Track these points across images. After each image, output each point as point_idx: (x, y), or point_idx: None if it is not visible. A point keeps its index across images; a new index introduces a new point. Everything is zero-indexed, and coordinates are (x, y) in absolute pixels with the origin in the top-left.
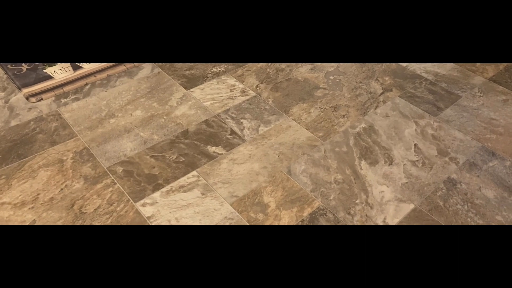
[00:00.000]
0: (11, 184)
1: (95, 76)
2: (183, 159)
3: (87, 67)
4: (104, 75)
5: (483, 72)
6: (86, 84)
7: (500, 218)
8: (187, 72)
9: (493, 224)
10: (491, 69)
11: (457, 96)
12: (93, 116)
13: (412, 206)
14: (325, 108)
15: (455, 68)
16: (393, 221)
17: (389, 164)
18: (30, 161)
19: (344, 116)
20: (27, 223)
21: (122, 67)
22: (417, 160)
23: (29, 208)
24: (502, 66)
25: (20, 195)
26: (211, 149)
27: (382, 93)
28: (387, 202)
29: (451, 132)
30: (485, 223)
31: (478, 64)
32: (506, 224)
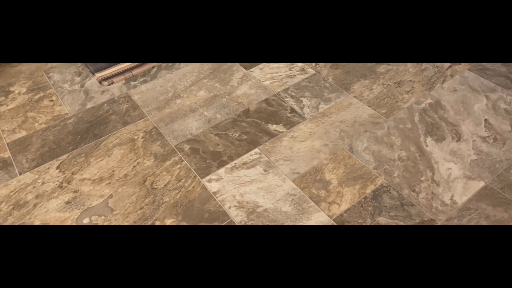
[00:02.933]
0: (90, 162)
1: None
2: (245, 137)
3: None
4: None
5: None
6: (153, 67)
7: None
8: None
9: None
10: None
11: None
12: (160, 97)
13: (482, 183)
14: (388, 84)
15: None
16: (461, 199)
17: (457, 141)
18: (105, 140)
19: (408, 92)
20: (105, 197)
21: None
22: (488, 136)
23: (106, 184)
24: None
25: (98, 172)
26: (272, 127)
27: (449, 67)
28: (454, 179)
29: None
30: None
31: None
32: None
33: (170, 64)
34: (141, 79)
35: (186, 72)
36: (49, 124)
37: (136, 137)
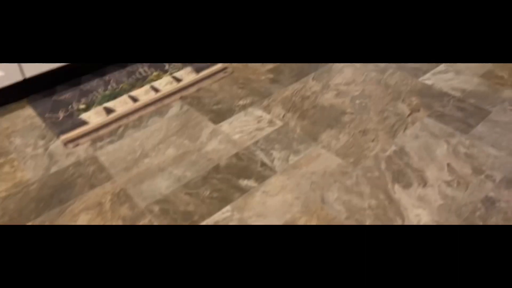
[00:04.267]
0: None
1: (128, 118)
2: (217, 194)
3: (119, 110)
4: (136, 116)
5: None
6: (119, 127)
7: None
8: (214, 107)
9: None
10: None
11: (487, 111)
12: (128, 157)
13: None
14: (353, 133)
15: (482, 83)
16: None
17: (423, 186)
18: (70, 206)
19: (373, 140)
20: None
21: (152, 107)
22: (452, 180)
23: None
24: None
25: None
26: (243, 182)
27: (410, 114)
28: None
29: (484, 148)
30: None
31: (506, 77)
32: None
33: (137, 122)
34: (108, 139)
35: (154, 130)
36: (9, 192)
37: (103, 200)
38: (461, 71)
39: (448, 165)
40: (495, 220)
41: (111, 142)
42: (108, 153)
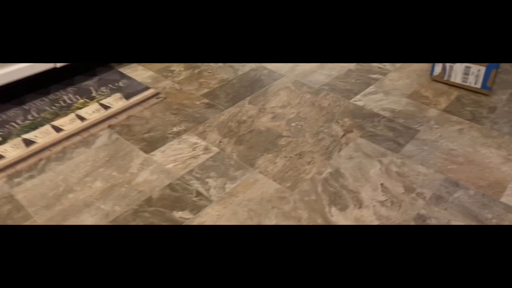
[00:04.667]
0: None
1: (50, 150)
2: None
3: (41, 141)
4: (59, 147)
5: (436, 104)
6: (40, 160)
7: None
8: (146, 135)
9: None
10: (443, 100)
11: (415, 130)
12: (49, 193)
13: None
14: (290, 157)
15: (410, 102)
16: None
17: (359, 208)
18: None
19: (309, 162)
20: None
21: (78, 137)
22: (386, 200)
23: None
24: (453, 96)
25: None
26: (177, 214)
27: (343, 135)
28: None
29: (414, 167)
30: None
31: (431, 97)
32: None
33: (61, 154)
34: (26, 175)
35: (80, 162)
36: None
37: None
38: (389, 92)
39: (382, 185)
40: None
41: (31, 177)
42: (27, 189)
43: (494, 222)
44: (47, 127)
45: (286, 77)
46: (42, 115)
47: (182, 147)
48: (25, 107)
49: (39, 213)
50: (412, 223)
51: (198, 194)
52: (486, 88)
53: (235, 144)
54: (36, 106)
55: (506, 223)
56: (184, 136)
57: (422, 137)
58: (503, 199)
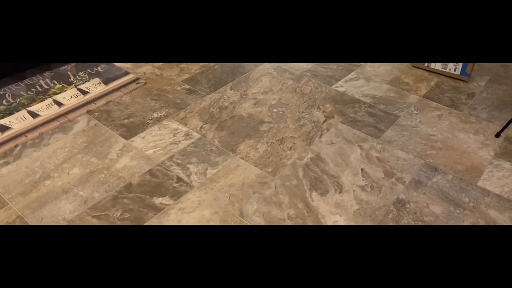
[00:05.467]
0: None
1: (26, 136)
2: (128, 215)
3: (16, 127)
4: (36, 133)
5: (417, 90)
6: (16, 146)
7: None
8: (125, 121)
9: None
10: (423, 86)
11: (395, 116)
12: (25, 180)
13: None
14: (271, 142)
15: (390, 89)
16: None
17: (340, 192)
18: None
19: (291, 148)
20: None
21: (55, 123)
22: (366, 185)
23: None
24: (433, 82)
25: None
26: (158, 200)
27: (325, 121)
28: None
29: (394, 152)
30: None
31: (411, 83)
32: None
33: (37, 140)
34: (2, 161)
35: (57, 148)
36: None
37: None
38: (370, 78)
39: (362, 170)
40: (406, 221)
41: (6, 163)
42: (2, 176)
43: (471, 205)
44: (23, 112)
45: (268, 63)
46: (18, 100)
47: (162, 133)
48: (0, 92)
49: (15, 200)
50: (392, 208)
51: (179, 180)
52: (466, 75)
53: (216, 130)
54: (12, 91)
55: (482, 206)
56: (164, 122)
57: (402, 122)
58: (480, 183)
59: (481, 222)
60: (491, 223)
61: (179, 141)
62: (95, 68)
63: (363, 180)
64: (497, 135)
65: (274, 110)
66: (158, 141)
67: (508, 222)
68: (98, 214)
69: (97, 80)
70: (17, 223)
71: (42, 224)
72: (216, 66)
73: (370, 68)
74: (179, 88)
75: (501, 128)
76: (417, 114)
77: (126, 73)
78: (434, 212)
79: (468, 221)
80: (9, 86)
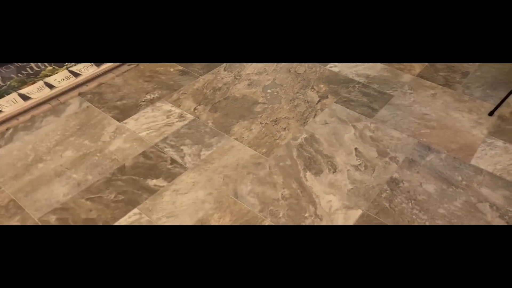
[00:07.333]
0: None
1: (17, 119)
2: (122, 197)
3: (7, 110)
4: (27, 116)
5: (411, 70)
6: (7, 129)
7: (442, 211)
8: (118, 103)
9: (437, 218)
10: (417, 65)
11: (389, 95)
12: (18, 163)
13: (360, 211)
14: (266, 123)
15: (384, 68)
16: None
17: (333, 172)
18: None
19: (285, 128)
20: None
21: (47, 106)
22: (360, 164)
23: None
24: None
25: None
26: (152, 182)
27: (319, 101)
28: (335, 211)
29: (388, 131)
30: (429, 218)
31: (405, 62)
32: (448, 215)
33: (29, 123)
34: None
35: (49, 131)
36: None
37: None
38: None
39: (356, 149)
40: (399, 199)
41: None
42: None
43: (464, 184)
44: (14, 95)
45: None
46: (8, 83)
47: (156, 114)
48: None
49: (8, 184)
50: (385, 187)
51: (173, 161)
52: None
53: (210, 111)
54: (2, 73)
55: (475, 185)
56: (157, 104)
57: (396, 102)
58: (473, 161)
59: (474, 200)
60: (483, 201)
61: (173, 122)
62: None
63: (356, 160)
64: (491, 113)
65: (268, 90)
66: (151, 123)
67: (500, 200)
68: (92, 196)
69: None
70: (10, 207)
71: (36, 207)
72: None
73: None
74: (172, 70)
75: (495, 106)
76: (411, 93)
77: None
78: (427, 190)
79: (461, 199)
80: None
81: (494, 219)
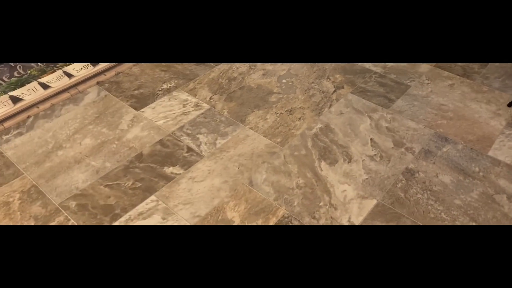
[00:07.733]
0: None
1: (38, 107)
2: (140, 184)
3: (28, 98)
4: (47, 105)
5: None
6: (28, 117)
7: (458, 202)
8: (135, 92)
9: (452, 209)
10: None
11: (406, 86)
12: (39, 150)
13: (374, 201)
14: (280, 113)
15: None
16: (357, 219)
17: (348, 162)
18: None
19: (300, 118)
20: None
21: (66, 94)
22: (375, 155)
23: None
24: None
25: None
26: (168, 170)
27: (334, 91)
28: (350, 200)
29: (404, 122)
30: (444, 209)
31: None
32: (464, 206)
33: (49, 111)
34: (15, 132)
35: (68, 119)
36: None
37: (11, 199)
38: None
39: (371, 139)
40: (415, 190)
41: (19, 134)
42: (16, 146)
43: (481, 175)
44: (34, 84)
45: None
46: (29, 71)
47: (172, 103)
48: (11, 63)
49: (29, 170)
50: (401, 177)
51: (189, 149)
52: None
53: (225, 101)
54: (23, 63)
55: (493, 176)
56: (174, 93)
57: (413, 92)
58: (491, 153)
59: (491, 191)
60: (501, 193)
61: (189, 111)
62: None
63: (372, 150)
64: (510, 104)
65: (283, 80)
66: (168, 112)
67: None
68: (110, 183)
69: None
70: (32, 192)
71: (56, 193)
72: None
73: None
74: None
75: None
76: (428, 83)
77: None
78: (443, 181)
79: (477, 191)
80: None
81: (511, 211)
